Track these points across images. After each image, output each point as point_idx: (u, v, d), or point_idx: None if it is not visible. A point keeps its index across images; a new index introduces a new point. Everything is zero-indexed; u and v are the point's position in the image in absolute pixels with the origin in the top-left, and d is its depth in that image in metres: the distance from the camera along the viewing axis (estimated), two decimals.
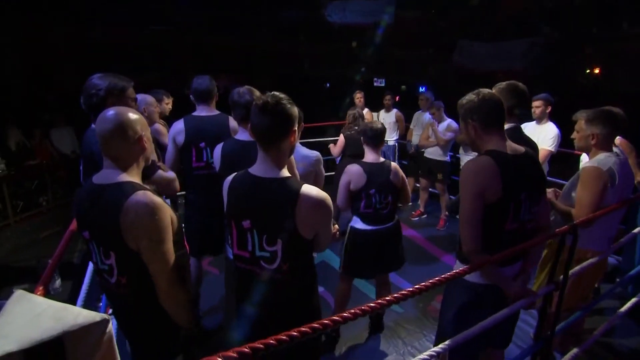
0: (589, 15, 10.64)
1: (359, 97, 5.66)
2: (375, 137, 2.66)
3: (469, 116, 1.70)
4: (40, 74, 10.00)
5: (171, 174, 2.11)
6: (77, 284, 2.29)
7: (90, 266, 2.22)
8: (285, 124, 1.44)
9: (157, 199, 1.37)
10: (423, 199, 5.45)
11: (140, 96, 2.96)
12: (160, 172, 1.98)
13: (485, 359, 1.98)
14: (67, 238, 1.80)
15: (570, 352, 2.26)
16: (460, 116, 1.75)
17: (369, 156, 2.69)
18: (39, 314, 0.74)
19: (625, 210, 2.49)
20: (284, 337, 0.94)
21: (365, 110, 5.50)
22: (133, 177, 1.42)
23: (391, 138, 5.84)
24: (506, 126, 2.16)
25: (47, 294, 1.22)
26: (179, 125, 2.55)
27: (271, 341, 0.91)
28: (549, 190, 2.46)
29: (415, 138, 5.44)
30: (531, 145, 2.22)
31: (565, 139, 3.59)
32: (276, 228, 1.43)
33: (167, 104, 3.65)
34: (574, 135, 2.40)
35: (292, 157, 1.88)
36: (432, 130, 4.93)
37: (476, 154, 1.73)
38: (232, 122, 2.50)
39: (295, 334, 0.96)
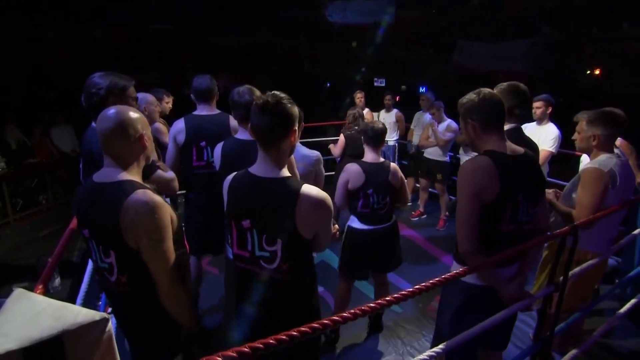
0: (589, 16, 10.64)
1: (359, 97, 5.66)
2: (376, 137, 2.66)
3: (469, 116, 1.69)
4: (40, 73, 10.00)
5: (170, 174, 2.11)
6: (77, 282, 2.29)
7: (90, 265, 2.22)
8: (286, 123, 1.44)
9: (157, 198, 1.37)
10: (423, 199, 5.45)
11: (140, 95, 2.96)
12: (159, 172, 1.97)
13: None
14: (66, 236, 1.80)
15: (570, 352, 2.26)
16: (460, 115, 1.75)
17: (369, 156, 2.69)
18: (38, 313, 0.74)
19: (625, 211, 2.49)
20: (284, 337, 0.94)
21: (366, 110, 5.50)
22: (133, 175, 1.42)
23: (391, 138, 5.84)
24: (507, 127, 2.16)
25: (47, 293, 1.22)
26: (180, 124, 2.55)
27: (271, 341, 0.91)
28: (550, 191, 2.46)
29: (415, 138, 5.44)
30: (531, 145, 2.22)
31: (565, 140, 3.59)
32: (276, 228, 1.43)
33: (168, 103, 3.65)
34: (575, 136, 2.39)
35: (292, 156, 1.88)
36: (432, 131, 4.94)
37: (476, 154, 1.72)
38: (233, 122, 2.50)
39: (295, 334, 0.96)
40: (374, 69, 11.99)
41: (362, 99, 5.66)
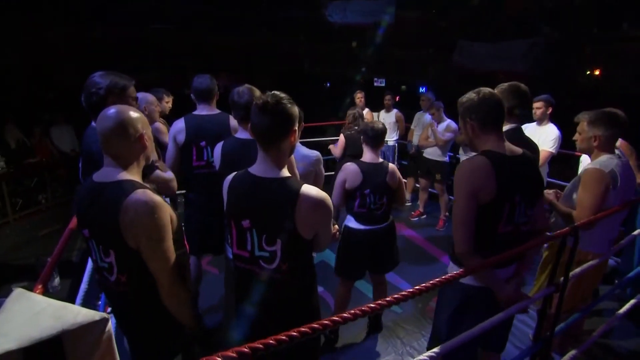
0: (589, 16, 10.65)
1: (359, 97, 5.66)
2: (376, 137, 2.65)
3: (468, 115, 1.69)
4: (40, 73, 10.00)
5: (169, 174, 2.11)
6: (76, 282, 2.29)
7: (89, 265, 2.22)
8: (286, 123, 1.43)
9: (157, 198, 1.37)
10: (422, 199, 5.45)
11: (140, 95, 2.96)
12: (157, 172, 1.97)
13: None
14: (66, 236, 1.80)
15: (569, 353, 2.26)
16: (459, 114, 1.74)
17: (367, 156, 2.68)
18: (38, 313, 0.74)
19: (626, 212, 2.49)
20: (284, 337, 0.94)
21: (366, 111, 5.51)
22: (133, 175, 1.42)
23: (391, 138, 5.84)
24: (507, 127, 2.17)
25: (46, 292, 1.22)
26: (180, 124, 2.55)
27: (271, 341, 0.91)
28: (550, 192, 2.46)
29: (415, 138, 5.44)
30: (532, 146, 2.22)
31: (565, 140, 3.59)
32: (276, 228, 1.43)
33: (168, 102, 3.65)
34: (576, 136, 2.38)
35: (292, 156, 1.88)
36: (431, 131, 4.94)
37: (475, 154, 1.72)
38: (233, 121, 2.50)
39: (294, 334, 0.96)
40: (374, 69, 11.99)
41: (362, 99, 5.66)
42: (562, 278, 1.98)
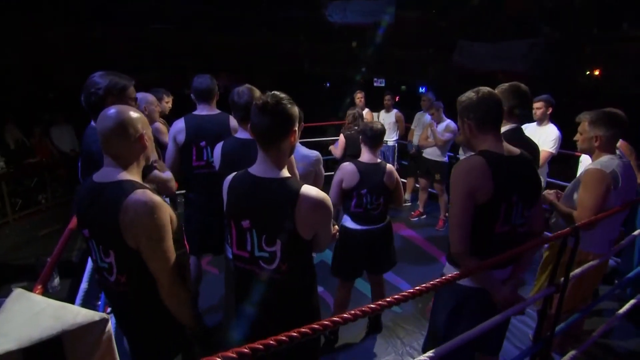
0: (589, 16, 10.65)
1: (359, 97, 5.66)
2: (374, 137, 2.64)
3: (466, 114, 1.68)
4: (40, 73, 10.00)
5: (167, 175, 2.11)
6: (76, 282, 2.29)
7: (89, 265, 2.22)
8: (286, 124, 1.43)
9: (156, 198, 1.37)
10: (422, 200, 5.45)
11: (140, 95, 2.96)
12: (155, 172, 1.97)
13: None
14: (66, 236, 1.80)
15: (569, 353, 2.26)
16: (458, 113, 1.73)
17: (365, 156, 2.68)
18: (38, 313, 0.74)
19: (627, 212, 2.48)
20: (284, 338, 0.93)
21: (366, 111, 5.50)
22: (133, 175, 1.42)
23: (391, 138, 5.84)
24: (507, 127, 2.17)
25: (46, 293, 1.22)
26: (180, 124, 2.55)
27: (271, 342, 0.91)
28: (551, 192, 2.45)
29: (416, 138, 5.45)
30: (532, 146, 2.21)
31: (565, 140, 3.59)
32: (275, 228, 1.43)
33: (167, 102, 3.65)
34: (577, 136, 2.37)
35: (292, 157, 1.88)
36: (431, 131, 4.94)
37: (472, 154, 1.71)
38: (233, 122, 2.50)
39: (295, 334, 0.96)
40: (374, 69, 11.99)
41: (362, 99, 5.65)
42: (562, 278, 1.98)
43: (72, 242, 4.46)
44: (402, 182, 6.01)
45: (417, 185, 5.59)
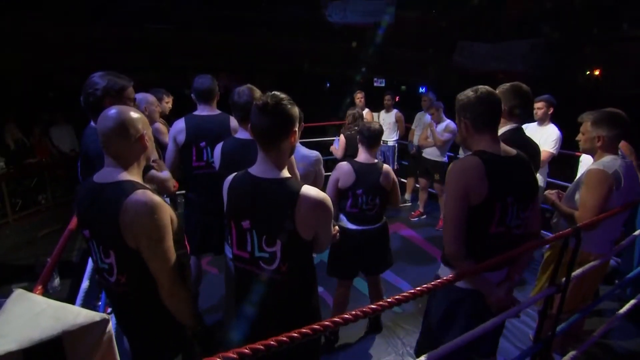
0: (589, 16, 10.66)
1: (359, 97, 5.66)
2: (371, 137, 2.63)
3: (463, 113, 1.67)
4: (40, 73, 10.00)
5: (165, 174, 2.10)
6: (76, 283, 2.29)
7: (89, 265, 2.22)
8: (286, 124, 1.43)
9: (157, 198, 1.37)
10: (422, 199, 5.45)
11: (141, 95, 2.97)
12: (153, 171, 1.97)
13: None
14: (66, 237, 1.80)
15: (569, 353, 2.26)
16: (456, 111, 1.72)
17: (362, 156, 2.67)
18: (38, 314, 0.74)
19: (628, 212, 2.48)
20: (284, 339, 0.93)
21: (366, 111, 5.51)
22: (133, 176, 1.42)
23: (391, 138, 5.84)
24: (508, 126, 2.16)
25: (46, 293, 1.22)
26: (180, 124, 2.55)
27: (271, 342, 0.91)
28: (552, 192, 2.45)
29: (416, 138, 5.45)
30: (533, 146, 2.21)
31: (565, 140, 3.60)
32: (275, 229, 1.42)
33: (168, 102, 3.65)
34: (579, 137, 2.35)
35: (292, 157, 1.88)
36: (430, 131, 4.94)
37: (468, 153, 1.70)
38: (233, 122, 2.50)
39: (295, 335, 0.96)
40: (374, 69, 11.99)
41: (362, 99, 5.65)
42: (563, 279, 1.97)
43: (72, 243, 4.46)
44: (402, 182, 6.04)
45: (417, 185, 5.59)
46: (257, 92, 2.20)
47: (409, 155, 5.81)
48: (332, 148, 4.59)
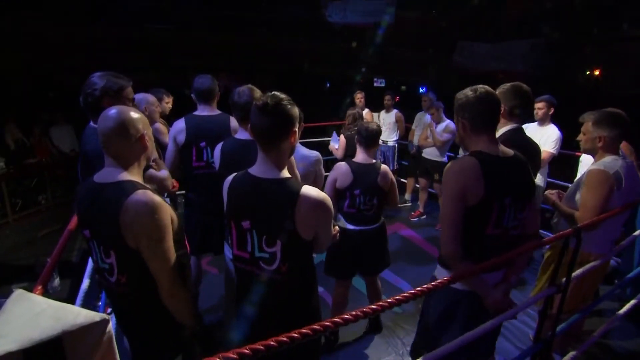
0: (589, 16, 10.66)
1: (359, 97, 5.66)
2: (369, 137, 2.62)
3: (461, 113, 1.66)
4: (40, 73, 9.99)
5: (162, 173, 2.10)
6: (76, 283, 2.29)
7: (89, 265, 2.22)
8: (286, 124, 1.43)
9: (157, 198, 1.37)
10: (422, 199, 5.45)
11: (141, 95, 2.96)
12: (151, 170, 1.97)
13: None
14: (65, 237, 1.80)
15: (569, 353, 2.26)
16: (454, 111, 1.71)
17: (359, 156, 2.66)
18: (38, 314, 0.73)
19: (629, 213, 2.48)
20: (284, 339, 0.93)
21: (366, 111, 5.51)
22: (134, 176, 1.42)
23: (391, 139, 5.84)
24: (508, 127, 2.16)
25: (46, 293, 1.22)
26: (180, 124, 2.55)
27: (271, 342, 0.91)
28: (553, 192, 2.45)
29: (416, 138, 5.45)
30: (533, 146, 2.21)
31: (565, 140, 3.60)
32: (275, 229, 1.42)
33: (168, 103, 3.65)
34: (580, 137, 2.35)
35: (292, 157, 1.88)
36: (430, 131, 4.94)
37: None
38: (234, 122, 2.50)
39: (295, 335, 0.96)
40: (374, 69, 11.99)
41: (362, 99, 5.65)
42: (564, 279, 1.97)
43: (72, 243, 4.46)
44: (402, 182, 6.04)
45: (417, 186, 5.59)
46: (257, 92, 2.19)
47: (409, 155, 5.81)
48: (330, 146, 4.60)
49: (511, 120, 2.17)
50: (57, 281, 3.81)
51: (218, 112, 2.63)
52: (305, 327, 0.99)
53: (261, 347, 0.89)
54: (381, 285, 2.98)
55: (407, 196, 5.96)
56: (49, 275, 1.42)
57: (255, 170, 1.48)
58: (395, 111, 5.84)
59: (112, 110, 1.39)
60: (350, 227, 2.66)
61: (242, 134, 2.18)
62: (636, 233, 2.89)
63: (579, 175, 2.98)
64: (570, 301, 2.20)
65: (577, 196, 2.24)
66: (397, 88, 14.78)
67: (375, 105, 6.00)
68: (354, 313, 1.09)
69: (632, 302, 2.63)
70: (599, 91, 10.78)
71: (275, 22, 12.30)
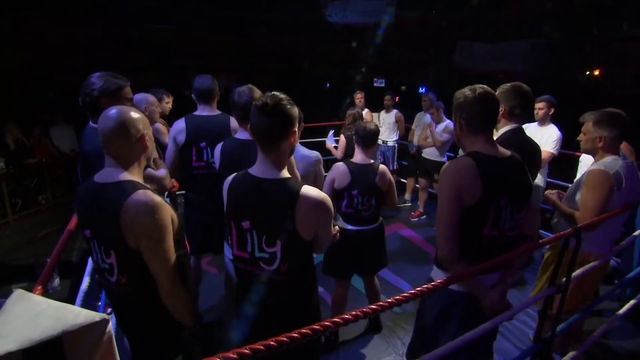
0: (589, 16, 10.67)
1: (359, 97, 5.66)
2: (367, 137, 2.61)
3: (459, 113, 1.65)
4: (40, 73, 9.99)
5: (161, 172, 2.11)
6: (76, 283, 2.29)
7: (89, 265, 2.22)
8: (285, 124, 1.43)
9: (157, 198, 1.37)
10: (422, 199, 5.44)
11: (141, 95, 2.97)
12: (149, 170, 1.97)
13: None
14: (65, 237, 1.80)
15: (569, 353, 2.26)
16: (452, 110, 1.70)
17: (358, 156, 2.66)
18: (38, 314, 0.73)
19: (629, 213, 2.48)
20: (284, 339, 0.93)
21: (366, 111, 5.50)
22: (134, 176, 1.42)
23: (391, 139, 5.84)
24: (508, 127, 2.16)
25: (46, 293, 1.22)
26: (180, 124, 2.55)
27: (271, 342, 0.91)
28: (553, 192, 2.45)
29: (416, 138, 5.45)
30: (534, 146, 2.21)
31: (565, 140, 3.60)
32: (276, 229, 1.42)
33: (168, 103, 3.65)
34: (581, 137, 2.35)
35: (292, 157, 1.88)
36: (430, 131, 4.94)
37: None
38: (234, 122, 2.50)
39: (295, 335, 0.96)
40: (374, 69, 12.00)
41: (362, 100, 5.65)
42: (564, 279, 1.97)
43: (72, 243, 4.46)
44: (402, 182, 6.04)
45: (417, 186, 5.59)
46: (257, 92, 2.19)
47: (409, 155, 5.81)
48: (327, 145, 4.60)
49: (511, 120, 2.17)
50: (57, 281, 3.81)
51: (218, 112, 2.63)
52: (306, 327, 0.99)
53: (261, 347, 0.89)
54: (381, 285, 2.98)
55: (407, 196, 5.96)
56: (48, 275, 1.42)
57: (255, 170, 1.48)
58: (395, 111, 5.84)
59: (113, 110, 1.39)
60: (349, 227, 2.66)
61: (242, 134, 2.18)
62: (636, 233, 2.89)
63: (579, 175, 2.99)
64: (570, 301, 2.20)
65: (577, 196, 2.24)
66: (397, 88, 14.79)
67: (375, 105, 6.00)
68: (354, 313, 1.09)
69: (632, 302, 2.63)
70: (599, 91, 10.79)
71: (275, 22, 12.30)
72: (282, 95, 1.44)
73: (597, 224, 2.02)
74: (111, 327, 0.79)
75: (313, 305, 1.62)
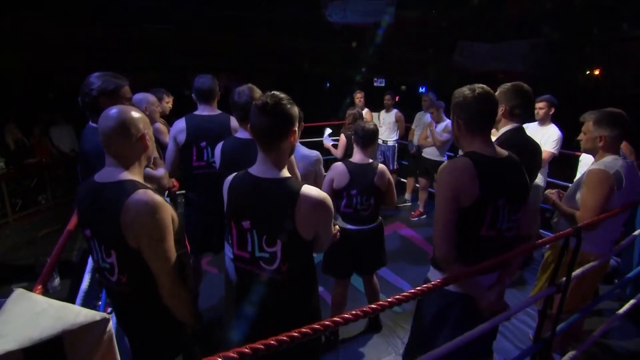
0: (589, 16, 10.66)
1: (359, 97, 5.66)
2: (366, 137, 2.61)
3: (457, 112, 1.65)
4: (40, 73, 9.99)
5: (159, 172, 2.11)
6: (76, 282, 2.29)
7: (89, 264, 2.22)
8: (285, 124, 1.43)
9: (158, 198, 1.37)
10: (422, 199, 5.44)
11: (141, 95, 2.97)
12: (147, 169, 1.97)
13: None
14: (65, 236, 1.80)
15: (569, 353, 2.26)
16: (451, 109, 1.70)
17: (356, 156, 2.66)
18: (38, 313, 0.74)
19: (629, 212, 2.48)
20: (285, 338, 0.93)
21: (365, 111, 5.50)
22: (135, 175, 1.42)
23: (391, 138, 5.84)
24: (509, 126, 2.16)
25: (46, 293, 1.21)
26: (181, 124, 2.55)
27: (272, 342, 0.91)
28: (553, 192, 2.45)
29: (416, 138, 5.45)
30: (534, 145, 2.21)
31: (565, 140, 3.60)
32: (276, 229, 1.42)
33: (168, 102, 3.65)
34: (581, 136, 2.34)
35: (293, 157, 1.88)
36: (430, 131, 4.94)
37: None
38: (234, 122, 2.49)
39: (295, 334, 0.96)
40: (374, 69, 11.99)
41: (362, 99, 5.65)
42: (564, 278, 1.97)
43: (72, 242, 4.46)
44: (402, 182, 6.03)
45: (417, 185, 5.59)
46: (257, 92, 2.19)
47: (409, 155, 5.81)
48: (325, 144, 4.60)
49: (512, 120, 2.17)
50: (57, 281, 3.81)
51: (218, 111, 2.63)
52: (306, 326, 0.99)
53: (261, 347, 0.89)
54: (381, 285, 2.98)
55: (407, 196, 5.96)
56: (49, 274, 1.42)
57: (255, 170, 1.48)
58: (395, 111, 5.84)
59: (113, 110, 1.39)
60: (348, 226, 2.66)
61: (242, 134, 2.18)
62: (636, 233, 2.89)
63: (579, 175, 2.99)
64: (570, 301, 2.20)
65: (577, 196, 2.24)
66: (397, 88, 14.79)
67: (375, 105, 6.00)
68: (354, 312, 1.09)
69: (632, 301, 2.63)
70: (599, 91, 10.79)
71: (275, 22, 12.29)
72: (282, 95, 1.44)
73: (597, 223, 2.02)
74: (111, 326, 0.79)
75: (313, 305, 1.62)
